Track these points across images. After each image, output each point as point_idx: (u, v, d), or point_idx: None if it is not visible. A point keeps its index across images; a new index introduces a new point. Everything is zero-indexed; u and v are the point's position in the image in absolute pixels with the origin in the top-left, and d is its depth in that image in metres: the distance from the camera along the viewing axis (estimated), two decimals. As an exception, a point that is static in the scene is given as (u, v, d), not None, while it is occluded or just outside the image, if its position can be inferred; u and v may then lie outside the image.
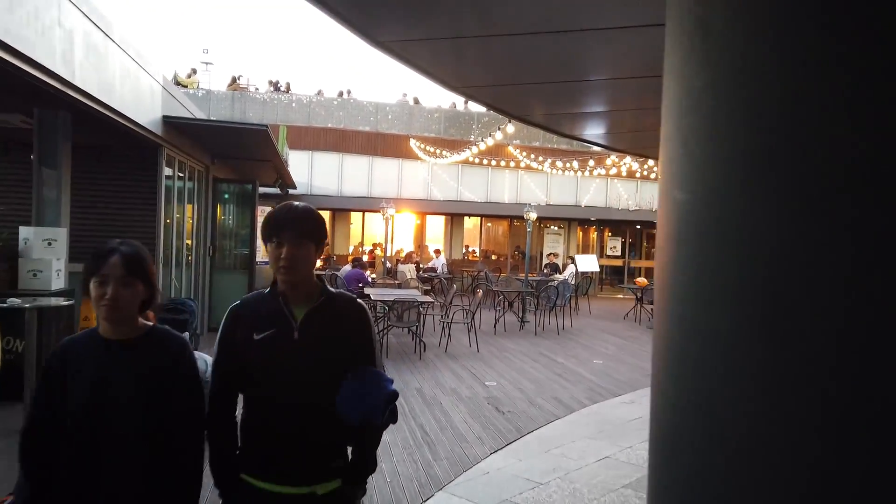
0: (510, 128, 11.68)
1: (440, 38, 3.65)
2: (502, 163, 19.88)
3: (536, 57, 4.03)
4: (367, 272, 13.68)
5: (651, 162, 17.27)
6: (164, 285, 8.07)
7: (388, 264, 17.75)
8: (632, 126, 6.53)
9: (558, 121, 6.29)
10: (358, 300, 2.20)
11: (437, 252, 19.93)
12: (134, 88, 6.35)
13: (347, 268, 13.31)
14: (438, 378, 8.26)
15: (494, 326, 12.69)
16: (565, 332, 12.77)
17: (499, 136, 12.95)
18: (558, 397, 7.54)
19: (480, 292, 10.77)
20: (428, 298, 10.27)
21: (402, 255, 19.92)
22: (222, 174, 11.65)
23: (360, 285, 12.55)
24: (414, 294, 11.04)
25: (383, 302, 10.03)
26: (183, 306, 6.46)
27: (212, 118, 14.90)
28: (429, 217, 22.80)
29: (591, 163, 16.70)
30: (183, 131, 8.21)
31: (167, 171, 8.22)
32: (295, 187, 17.73)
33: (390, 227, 20.21)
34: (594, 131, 6.80)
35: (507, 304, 13.34)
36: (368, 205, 19.68)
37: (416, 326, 9.90)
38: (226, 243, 11.79)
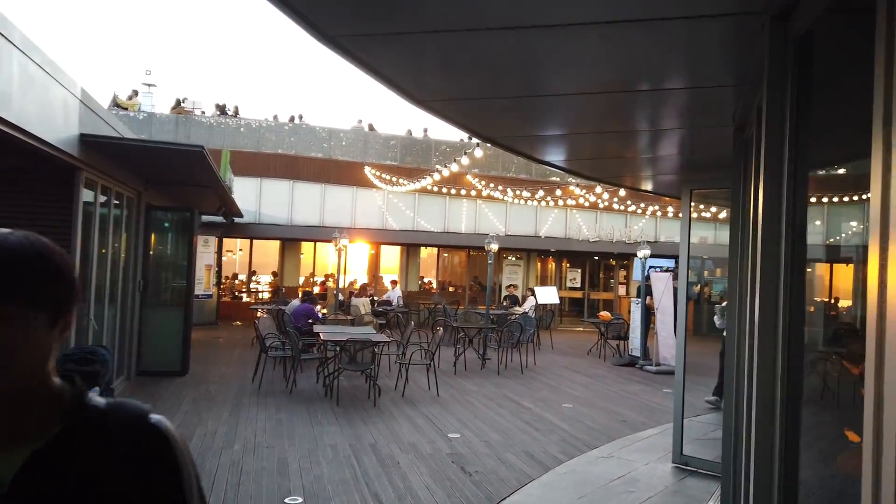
0: (477, 153, 11.05)
1: (400, 32, 2.94)
2: (462, 191, 19.27)
3: (502, 64, 3.41)
4: (318, 307, 12.75)
5: (622, 192, 16.89)
6: (78, 328, 7.04)
7: (341, 297, 16.80)
8: (594, 153, 5.98)
9: (524, 142, 5.66)
10: (152, 420, 1.06)
11: (394, 283, 19.09)
12: (40, 101, 5.43)
13: (296, 302, 12.38)
14: (395, 430, 7.39)
15: (454, 365, 11.88)
16: (529, 371, 12.05)
17: (465, 160, 12.31)
18: (530, 451, 6.77)
19: (441, 330, 9.98)
20: (383, 338, 9.43)
21: (356, 287, 19.00)
22: (158, 201, 10.64)
23: (311, 321, 11.65)
24: (368, 332, 10.17)
25: (334, 342, 9.13)
26: (93, 355, 5.46)
27: (143, 138, 13.80)
28: (384, 247, 22.01)
29: (559, 192, 16.21)
30: (107, 152, 7.27)
31: (87, 196, 7.24)
32: (241, 215, 16.72)
33: (343, 258, 19.35)
34: (556, 157, 6.21)
35: (467, 340, 12.57)
36: (320, 234, 18.77)
37: (371, 369, 9.03)
38: (161, 277, 10.71)
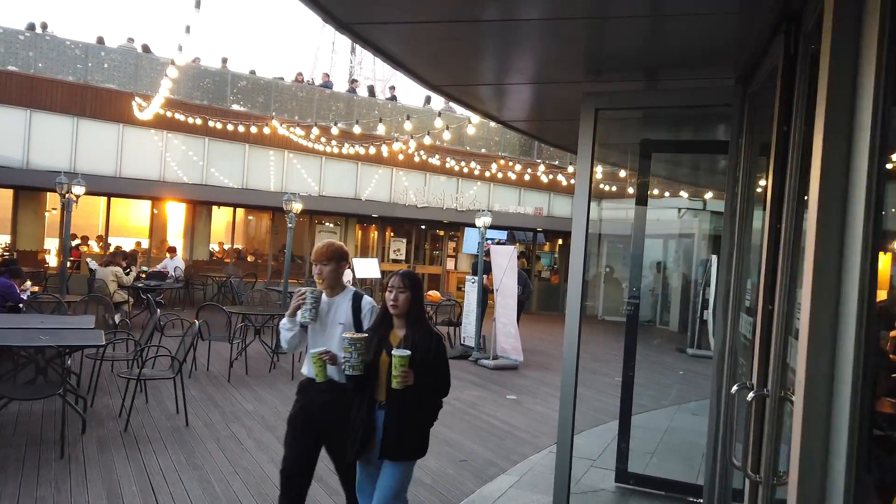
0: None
1: None
2: (266, 129, 15.48)
3: None
4: (26, 284, 8.69)
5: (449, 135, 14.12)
6: None
7: (94, 266, 12.60)
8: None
9: None
10: None
11: (172, 251, 15.04)
12: None
13: (-11, 276, 8.25)
14: (68, 520, 4.06)
15: (230, 367, 8.57)
16: (336, 371, 9.10)
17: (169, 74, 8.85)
18: (311, 556, 3.83)
19: (197, 323, 6.66)
20: (95, 338, 5.89)
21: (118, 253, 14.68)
22: None
23: (8, 305, 7.72)
24: (75, 326, 6.53)
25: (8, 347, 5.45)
26: None
27: None
28: (171, 205, 17.70)
29: (402, 148, 13.13)
30: None
31: None
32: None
33: (105, 214, 15.15)
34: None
35: (254, 330, 9.27)
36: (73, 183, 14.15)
37: (63, 389, 5.48)
38: None
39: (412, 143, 13.08)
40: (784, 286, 2.34)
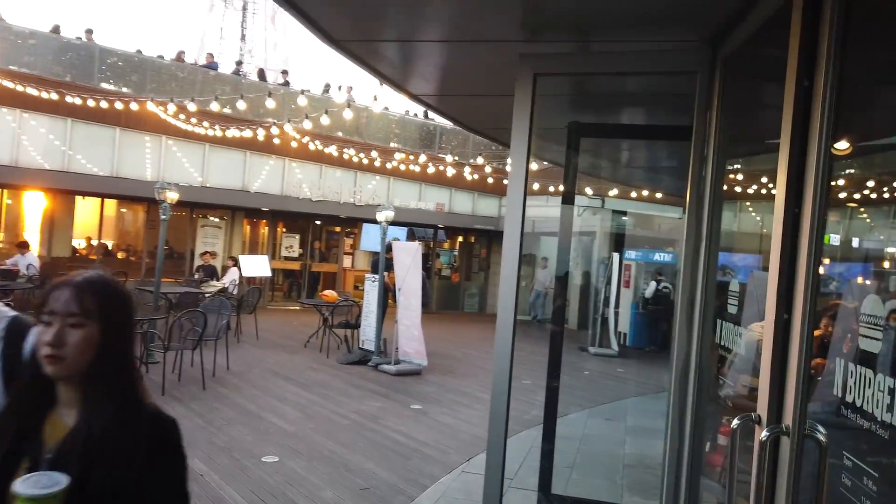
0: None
1: None
2: (134, 106, 13.85)
3: None
4: None
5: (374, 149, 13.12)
6: None
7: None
8: None
9: None
10: None
11: (24, 246, 13.15)
12: None
13: None
14: None
15: (89, 381, 7.32)
16: (217, 383, 8.05)
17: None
18: None
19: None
20: None
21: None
22: None
23: None
24: None
25: None
26: None
27: None
28: (27, 194, 15.58)
29: (274, 130, 12.02)
30: None
31: None
32: None
33: None
34: None
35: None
36: None
37: None
38: None
39: (307, 124, 12.00)
40: (808, 290, 1.78)
